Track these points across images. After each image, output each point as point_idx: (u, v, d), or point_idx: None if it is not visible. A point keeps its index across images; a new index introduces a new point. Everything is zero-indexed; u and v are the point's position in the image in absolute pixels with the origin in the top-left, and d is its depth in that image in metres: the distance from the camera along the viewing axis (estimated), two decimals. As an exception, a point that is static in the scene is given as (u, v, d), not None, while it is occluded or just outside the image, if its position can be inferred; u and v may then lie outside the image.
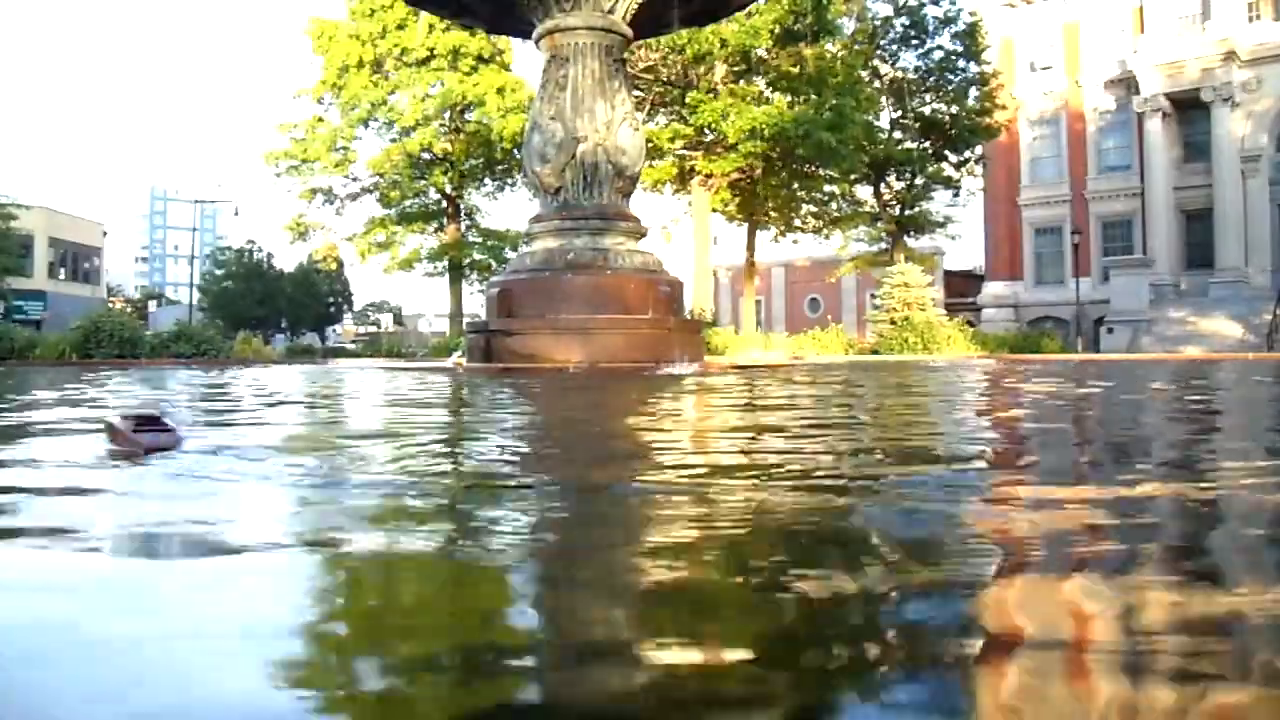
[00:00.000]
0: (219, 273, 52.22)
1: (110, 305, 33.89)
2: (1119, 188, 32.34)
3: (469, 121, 28.84)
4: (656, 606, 0.89)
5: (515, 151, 25.56)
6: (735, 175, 23.89)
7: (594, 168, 9.00)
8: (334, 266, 53.94)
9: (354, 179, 30.33)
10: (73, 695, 0.64)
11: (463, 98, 27.86)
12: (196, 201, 55.49)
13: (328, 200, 30.47)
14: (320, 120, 29.56)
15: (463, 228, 31.15)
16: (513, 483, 1.71)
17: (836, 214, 30.22)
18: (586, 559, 1.12)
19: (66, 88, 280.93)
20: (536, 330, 8.49)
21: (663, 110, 24.56)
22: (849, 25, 26.97)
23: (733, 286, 43.63)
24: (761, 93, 23.29)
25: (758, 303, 36.76)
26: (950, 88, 28.70)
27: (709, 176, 23.87)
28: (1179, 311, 27.02)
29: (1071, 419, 3.44)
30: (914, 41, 28.82)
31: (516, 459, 2.20)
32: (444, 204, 30.60)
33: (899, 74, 28.94)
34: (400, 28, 27.76)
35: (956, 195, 30.88)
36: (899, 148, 27.92)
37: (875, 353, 20.48)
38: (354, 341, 50.02)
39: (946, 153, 29.31)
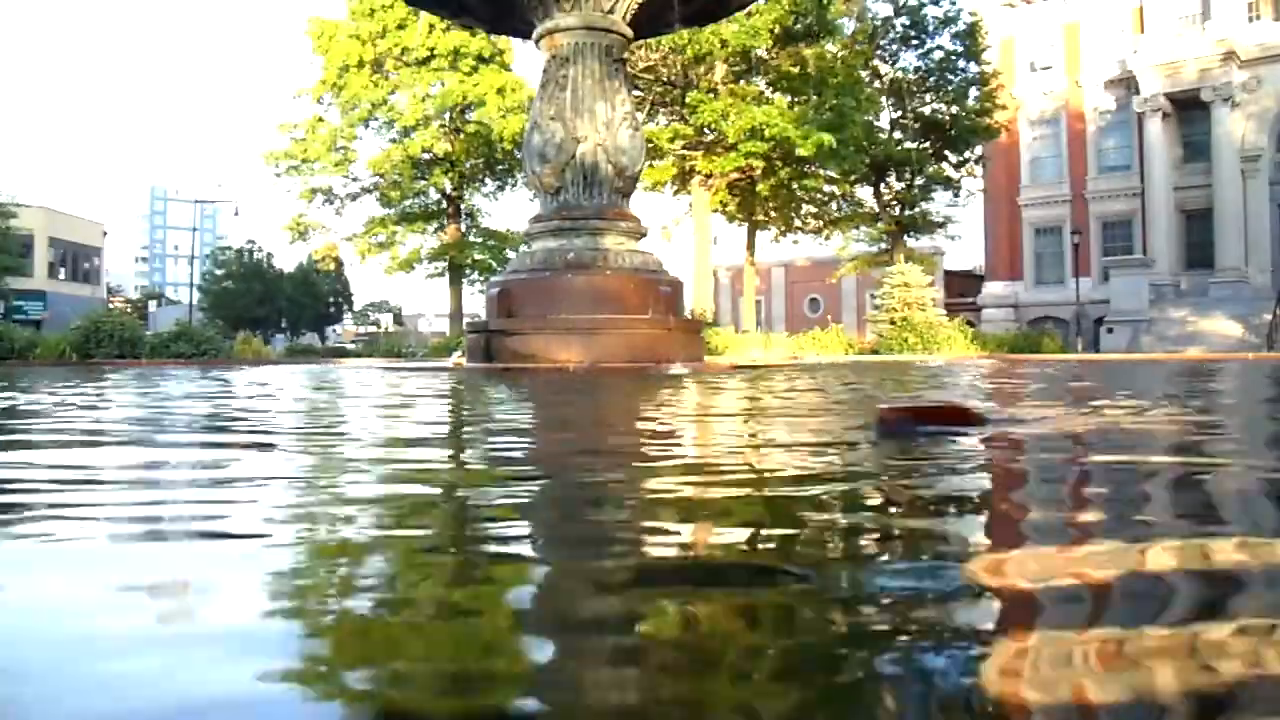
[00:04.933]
0: (219, 273, 52.26)
1: (110, 305, 33.91)
2: (1119, 188, 32.33)
3: (469, 122, 28.82)
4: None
5: (515, 151, 25.55)
6: (735, 175, 23.89)
7: (594, 168, 9.00)
8: (334, 266, 53.98)
9: (354, 179, 30.36)
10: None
11: (463, 98, 27.85)
12: (196, 201, 55.47)
13: (328, 200, 30.48)
14: (320, 120, 29.56)
15: (463, 228, 31.16)
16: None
17: (836, 214, 30.21)
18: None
19: (67, 87, 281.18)
20: (536, 330, 8.49)
21: (663, 110, 24.56)
22: (849, 25, 26.96)
23: (733, 286, 43.61)
24: (761, 93, 23.29)
25: (758, 303, 36.76)
26: (950, 88, 28.66)
27: (709, 176, 23.86)
28: (1179, 311, 27.01)
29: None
30: (914, 41, 28.81)
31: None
32: (444, 204, 30.60)
33: (899, 74, 28.92)
34: (400, 28, 27.75)
35: (956, 195, 30.84)
36: (899, 148, 27.89)
37: (875, 353, 20.49)
38: (354, 341, 49.99)
39: (946, 153, 29.28)
